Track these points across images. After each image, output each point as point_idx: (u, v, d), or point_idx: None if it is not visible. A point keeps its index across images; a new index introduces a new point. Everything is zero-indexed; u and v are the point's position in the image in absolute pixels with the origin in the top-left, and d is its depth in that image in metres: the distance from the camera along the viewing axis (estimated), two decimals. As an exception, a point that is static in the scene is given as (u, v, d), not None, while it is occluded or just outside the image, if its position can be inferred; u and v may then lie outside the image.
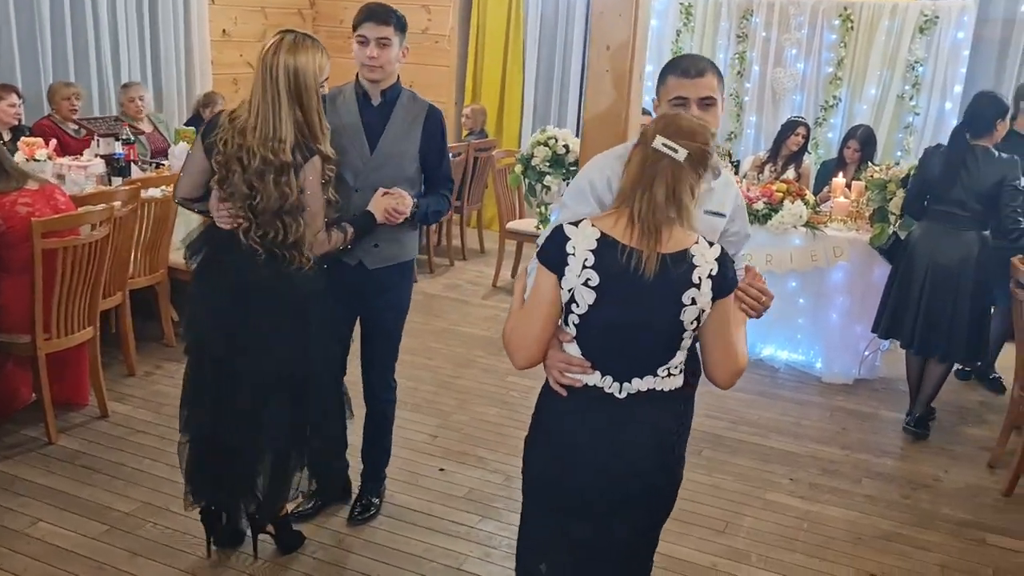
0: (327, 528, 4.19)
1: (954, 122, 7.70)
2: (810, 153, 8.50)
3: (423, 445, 5.07)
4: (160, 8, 8.90)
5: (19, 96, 6.99)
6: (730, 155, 8.84)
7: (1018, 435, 5.08)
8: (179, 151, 6.81)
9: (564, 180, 7.30)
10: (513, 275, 8.44)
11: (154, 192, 5.82)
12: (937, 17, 8.55)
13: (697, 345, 2.67)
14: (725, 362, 2.60)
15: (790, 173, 7.80)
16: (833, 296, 6.50)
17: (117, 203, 5.07)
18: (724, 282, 2.50)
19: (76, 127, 7.26)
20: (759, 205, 6.41)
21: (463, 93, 10.64)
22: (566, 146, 7.44)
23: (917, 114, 8.81)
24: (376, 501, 4.36)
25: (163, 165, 6.98)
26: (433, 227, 8.99)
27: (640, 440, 2.58)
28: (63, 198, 4.85)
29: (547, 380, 2.68)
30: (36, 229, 4.43)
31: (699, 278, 2.46)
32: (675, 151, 2.45)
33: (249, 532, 3.89)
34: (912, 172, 5.82)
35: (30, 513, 4.16)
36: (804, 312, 6.65)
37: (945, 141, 5.61)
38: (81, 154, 6.64)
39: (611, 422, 2.58)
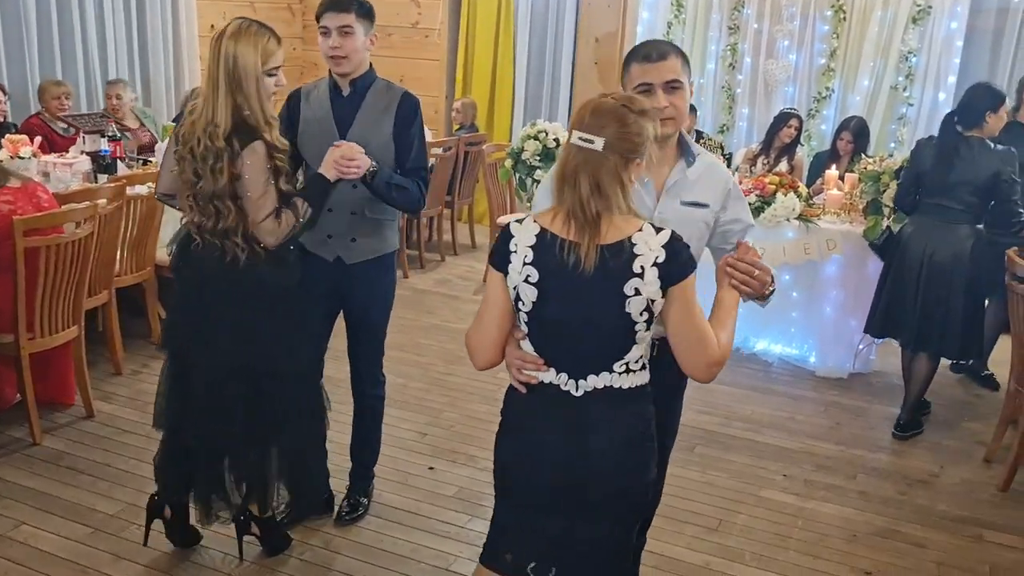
0: (314, 528, 4.13)
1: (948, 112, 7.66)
2: (803, 145, 8.46)
3: (412, 443, 5.01)
4: (147, 3, 8.82)
5: (4, 93, 6.94)
6: (722, 147, 8.78)
7: (1014, 430, 5.01)
8: (166, 147, 6.73)
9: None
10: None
11: (140, 189, 5.75)
12: (930, 7, 8.51)
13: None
14: (696, 353, 2.50)
15: (783, 165, 7.76)
16: (827, 289, 6.44)
17: (102, 200, 5.02)
18: (675, 268, 2.41)
19: (65, 125, 7.19)
20: (751, 198, 6.35)
21: (453, 87, 10.56)
22: (557, 140, 7.38)
23: (911, 105, 8.77)
24: (364, 500, 4.30)
25: (150, 162, 6.91)
26: (424, 222, 8.91)
27: (603, 441, 2.52)
28: (46, 196, 4.78)
29: None
30: (17, 227, 4.36)
31: (641, 267, 2.39)
32: (591, 142, 2.40)
33: (235, 533, 3.83)
34: (905, 164, 5.76)
35: (13, 516, 4.09)
36: (797, 306, 6.60)
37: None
38: (68, 151, 6.57)
39: (570, 421, 2.54)
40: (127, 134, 7.31)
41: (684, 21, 9.63)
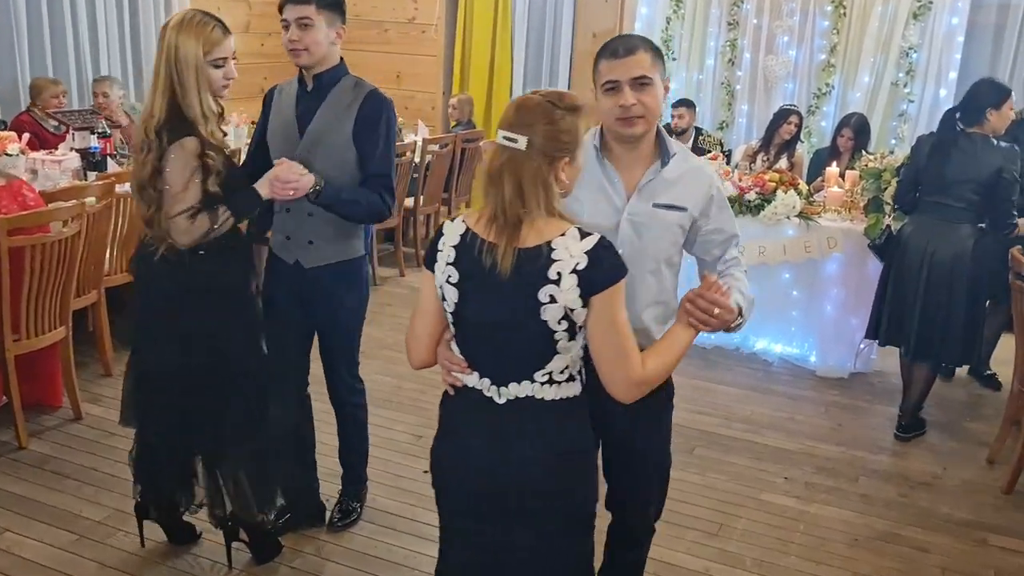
0: (306, 535, 4.03)
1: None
2: (803, 142, 8.40)
3: (406, 446, 4.92)
4: (140, 0, 8.73)
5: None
6: (722, 144, 8.71)
7: (1018, 430, 4.93)
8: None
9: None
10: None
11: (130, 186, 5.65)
12: (931, 2, 8.45)
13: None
14: (616, 368, 2.37)
15: (783, 162, 7.69)
16: (827, 288, 6.36)
17: (90, 199, 4.93)
18: (597, 276, 2.28)
19: (56, 123, 7.11)
20: (751, 195, 6.28)
21: (451, 83, 10.48)
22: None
23: (911, 101, 8.70)
24: (356, 506, 4.19)
25: (141, 159, 6.81)
26: (421, 219, 8.80)
27: (525, 451, 2.42)
28: (31, 194, 4.70)
29: None
30: (1, 226, 4.27)
31: (558, 273, 2.27)
32: (514, 141, 2.31)
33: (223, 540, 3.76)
34: (907, 161, 5.66)
35: (-4, 522, 4.02)
36: (798, 304, 6.52)
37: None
38: (58, 148, 6.49)
39: (493, 428, 2.45)
40: (117, 131, 7.21)
41: (683, 16, 9.56)
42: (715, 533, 4.27)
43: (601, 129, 2.82)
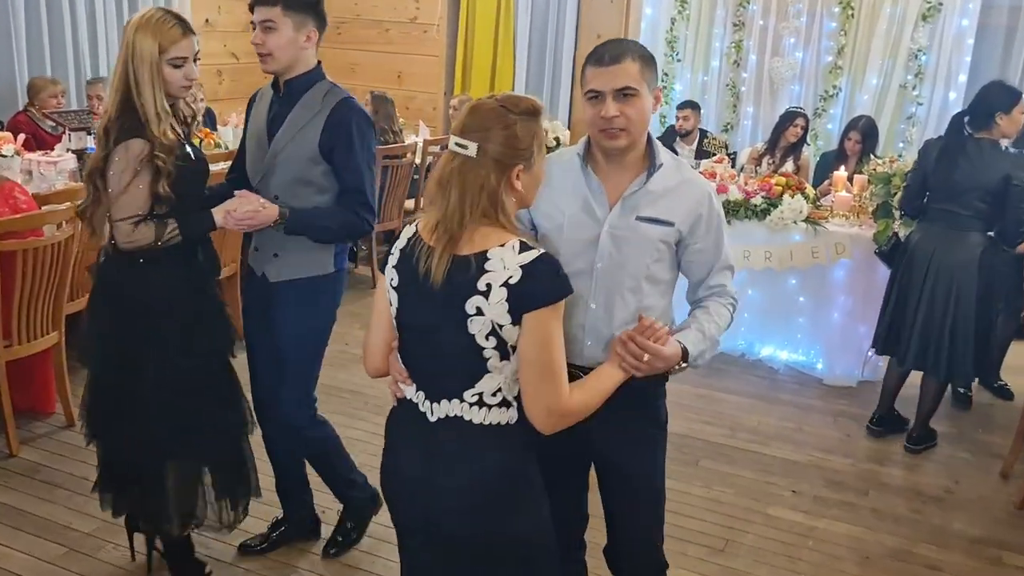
0: (301, 549, 3.95)
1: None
2: (809, 145, 8.28)
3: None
4: (140, -1, 8.64)
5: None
6: (727, 147, 8.60)
7: (1032, 442, 4.83)
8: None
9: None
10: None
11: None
12: (941, 4, 8.35)
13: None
14: (539, 393, 2.22)
15: (789, 165, 7.59)
16: (835, 295, 6.25)
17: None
18: (529, 292, 2.15)
19: (52, 123, 7.01)
20: (757, 199, 6.17)
21: (452, 84, 10.37)
22: (557, 139, 7.21)
23: (920, 104, 8.60)
24: (350, 529, 4.00)
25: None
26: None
27: (451, 478, 2.29)
28: (24, 197, 4.60)
29: None
30: (-9, 230, 4.18)
31: (488, 285, 2.16)
32: (464, 148, 2.20)
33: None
34: (915, 167, 5.53)
35: (-17, 534, 3.91)
36: (804, 311, 6.41)
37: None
38: (55, 149, 6.39)
39: (424, 447, 2.34)
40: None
41: (688, 17, 9.48)
42: (721, 549, 4.16)
43: (589, 137, 2.70)
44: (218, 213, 3.23)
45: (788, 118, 7.79)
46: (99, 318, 3.35)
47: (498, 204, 2.21)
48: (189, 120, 3.37)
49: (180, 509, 3.46)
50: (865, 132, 7.30)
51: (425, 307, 2.26)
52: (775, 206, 6.12)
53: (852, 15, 8.70)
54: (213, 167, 3.69)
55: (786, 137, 7.72)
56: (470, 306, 2.17)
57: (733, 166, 7.59)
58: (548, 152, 6.84)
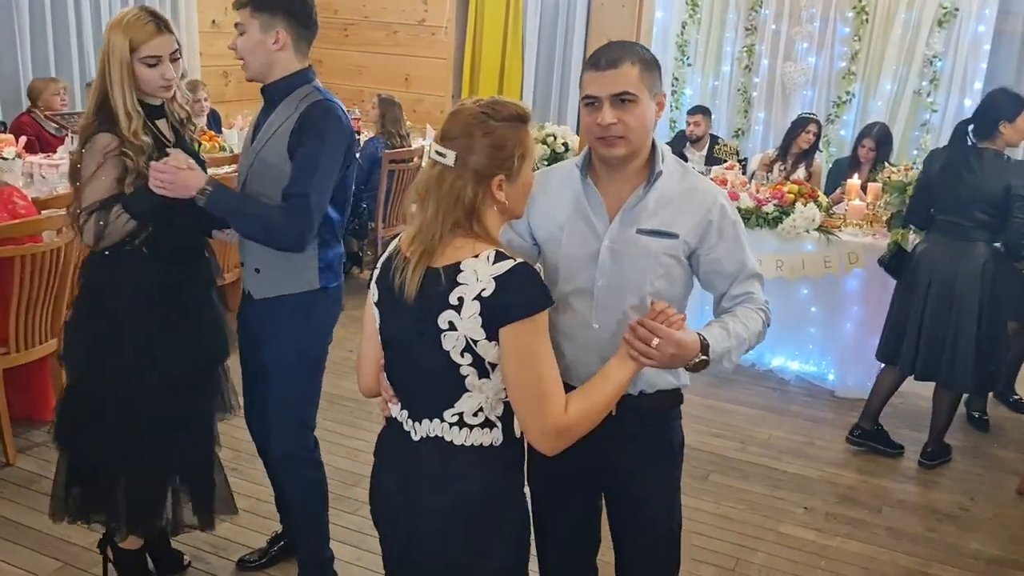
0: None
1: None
2: (821, 151, 8.17)
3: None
4: (146, -2, 8.56)
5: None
6: (738, 152, 8.52)
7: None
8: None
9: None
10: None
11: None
12: (957, 10, 8.23)
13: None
14: (532, 414, 2.10)
15: (800, 172, 7.48)
16: (848, 305, 6.15)
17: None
18: (503, 305, 2.04)
19: (56, 125, 6.94)
20: (769, 207, 6.07)
21: (460, 86, 10.30)
22: (565, 144, 7.11)
23: (935, 111, 8.49)
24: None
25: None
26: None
27: (433, 500, 2.19)
28: (23, 201, 4.52)
29: None
30: (-11, 237, 4.10)
31: (460, 298, 2.05)
32: (443, 156, 2.10)
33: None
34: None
35: (-23, 547, 3.82)
36: (816, 321, 6.31)
37: None
38: (57, 151, 6.32)
39: (406, 469, 2.25)
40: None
41: (699, 21, 9.39)
42: (731, 568, 4.06)
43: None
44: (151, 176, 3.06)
45: (800, 124, 7.68)
46: (74, 317, 3.32)
47: (475, 215, 2.11)
48: (184, 121, 3.28)
49: (131, 519, 3.37)
50: (879, 139, 7.20)
51: (402, 322, 2.17)
52: (787, 214, 6.02)
53: (866, 20, 8.59)
54: (217, 170, 3.59)
55: (798, 143, 7.61)
56: (443, 321, 2.08)
57: (744, 172, 7.51)
58: (554, 156, 6.75)
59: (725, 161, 7.62)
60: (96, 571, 3.68)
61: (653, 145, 2.52)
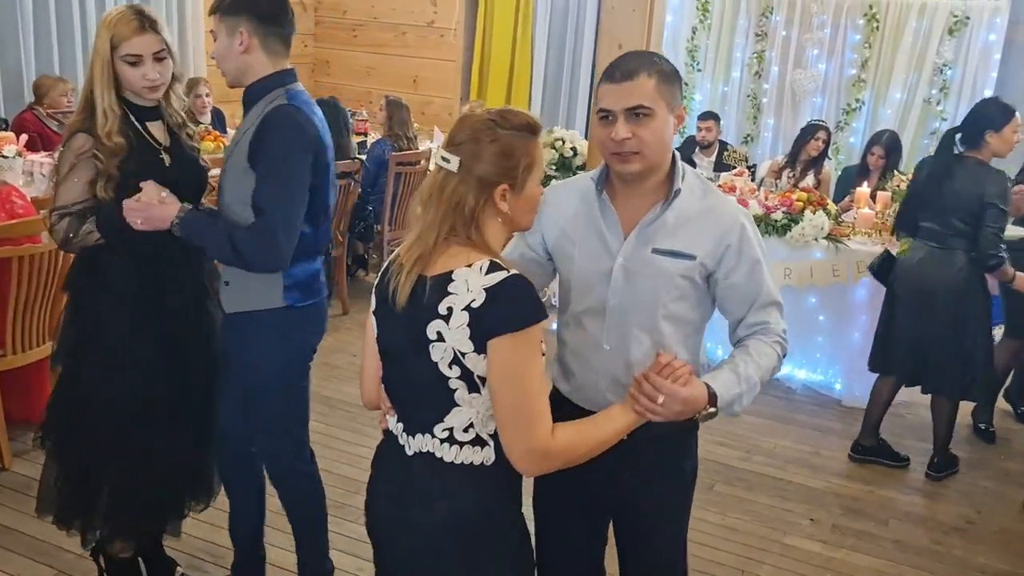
0: None
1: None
2: (830, 159, 8.12)
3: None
4: (151, -4, 8.54)
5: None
6: (747, 159, 8.46)
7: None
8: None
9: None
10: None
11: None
12: (968, 18, 8.18)
13: None
14: (515, 432, 2.02)
15: (809, 179, 7.42)
16: (856, 314, 6.08)
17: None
18: (492, 317, 1.97)
19: (57, 123, 6.90)
20: (778, 215, 6.01)
21: (469, 89, 10.26)
22: (574, 148, 7.05)
23: (944, 119, 8.43)
24: None
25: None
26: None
27: (424, 516, 2.13)
28: (21, 201, 4.47)
29: None
30: (-14, 237, 4.05)
31: (449, 308, 1.99)
32: (447, 162, 2.05)
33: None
34: None
35: (-29, 553, 3.77)
36: (824, 330, 6.25)
37: None
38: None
39: (399, 483, 2.19)
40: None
41: (709, 26, 9.35)
42: (736, 581, 4.01)
43: None
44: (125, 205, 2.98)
45: (809, 131, 7.62)
46: (62, 318, 3.28)
47: (474, 223, 2.05)
48: (182, 124, 3.22)
49: (114, 524, 3.33)
50: (889, 147, 7.14)
51: (394, 331, 2.13)
52: (796, 222, 5.97)
53: (877, 28, 8.54)
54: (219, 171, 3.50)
55: (807, 150, 7.55)
56: (431, 331, 2.01)
57: (752, 179, 7.46)
58: (562, 161, 6.68)
59: (734, 167, 7.58)
60: (91, 578, 3.65)
61: (674, 161, 2.42)
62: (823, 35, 8.81)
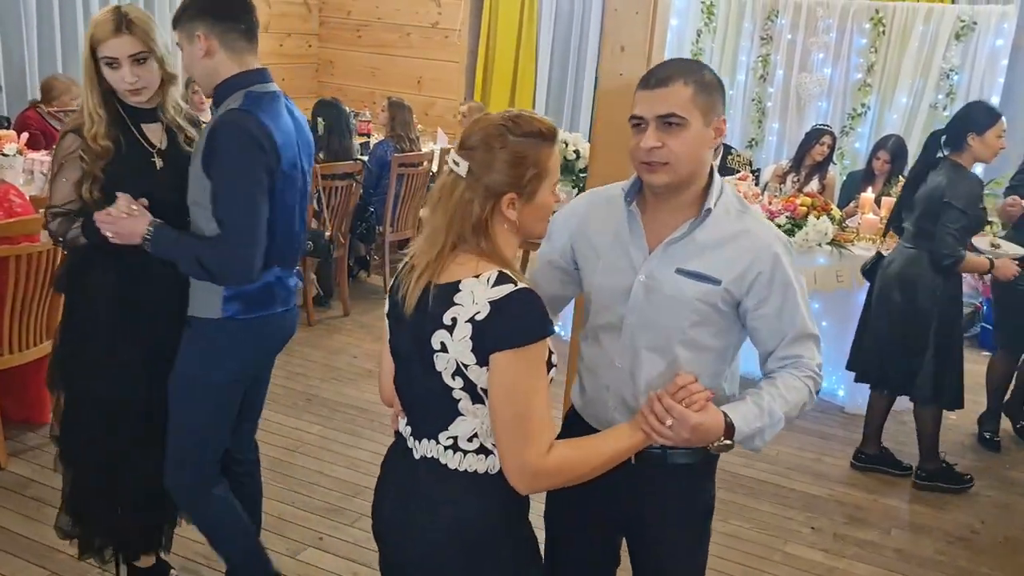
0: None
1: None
2: (835, 163, 8.07)
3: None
4: (156, -2, 8.52)
5: (-4, 87, 6.67)
6: (751, 163, 8.42)
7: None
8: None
9: (573, 188, 6.88)
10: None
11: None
12: (975, 23, 8.12)
13: None
14: (510, 448, 1.98)
15: (814, 184, 7.38)
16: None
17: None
18: (495, 330, 1.93)
19: (59, 122, 6.87)
20: (781, 219, 5.97)
21: (473, 90, 10.23)
22: (576, 151, 7.02)
23: (950, 125, 8.35)
24: None
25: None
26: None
27: (427, 520, 2.10)
28: (19, 200, 4.44)
29: None
30: (-16, 235, 4.02)
31: (453, 319, 1.95)
32: (457, 165, 2.01)
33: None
34: None
35: (-35, 554, 3.73)
36: (827, 336, 6.09)
37: None
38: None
39: (405, 486, 2.16)
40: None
41: (714, 29, 9.30)
42: (737, 590, 3.97)
43: None
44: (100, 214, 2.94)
45: (814, 135, 7.57)
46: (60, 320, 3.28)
47: (482, 231, 2.01)
48: (180, 126, 3.17)
49: (105, 532, 3.33)
50: (894, 152, 7.11)
51: (403, 336, 2.10)
52: (800, 227, 5.93)
53: (883, 32, 8.49)
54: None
55: (812, 155, 7.50)
56: (435, 340, 1.98)
57: (756, 184, 7.41)
58: (565, 164, 6.64)
59: (738, 171, 7.54)
60: (85, 580, 3.62)
61: (711, 177, 2.30)
62: (829, 39, 8.76)
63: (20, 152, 5.67)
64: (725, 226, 2.27)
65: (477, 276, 1.97)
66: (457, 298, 1.96)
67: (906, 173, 6.83)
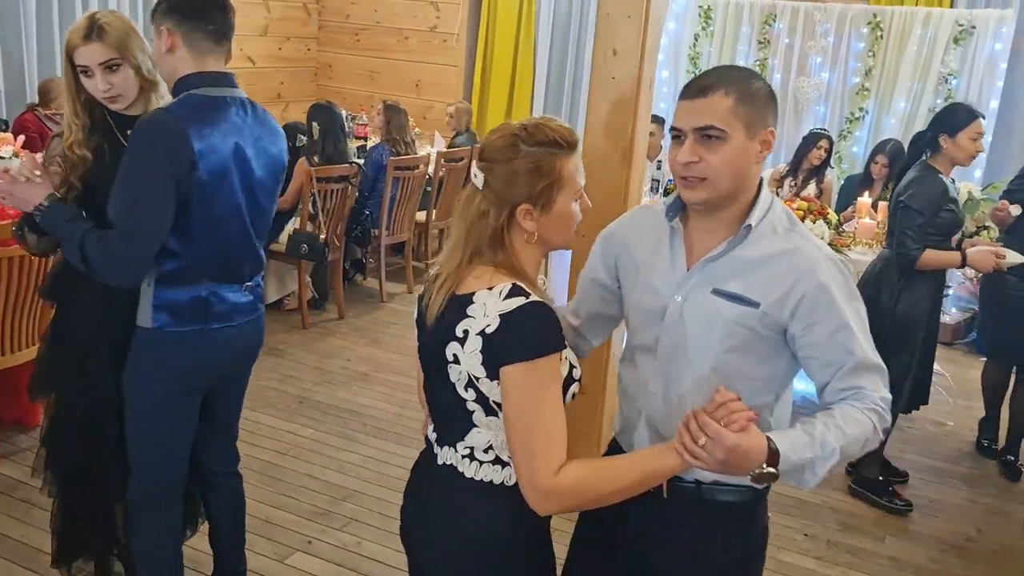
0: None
1: (989, 139, 7.28)
2: (833, 168, 8.05)
3: (400, 483, 4.60)
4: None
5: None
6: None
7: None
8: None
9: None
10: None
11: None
12: (973, 27, 8.08)
13: None
14: (521, 466, 1.93)
15: (811, 188, 7.37)
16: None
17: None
18: (503, 344, 1.90)
19: (56, 124, 6.86)
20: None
21: (471, 94, 10.23)
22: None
23: (949, 129, 8.33)
24: None
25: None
26: (434, 234, 8.52)
27: (442, 526, 2.09)
28: (11, 202, 4.42)
29: None
30: (-26, 238, 4.01)
31: (465, 331, 1.93)
32: (476, 176, 2.00)
33: None
34: None
35: (-50, 557, 3.71)
36: (823, 341, 6.17)
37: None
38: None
39: (427, 490, 2.16)
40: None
41: (712, 33, 9.27)
42: (729, 596, 3.94)
43: None
44: None
45: (812, 139, 7.55)
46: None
47: (500, 244, 1.99)
48: None
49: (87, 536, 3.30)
50: (892, 156, 7.07)
51: (424, 344, 2.09)
52: (796, 232, 5.90)
53: (881, 36, 8.46)
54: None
55: (809, 159, 7.48)
56: (449, 352, 1.97)
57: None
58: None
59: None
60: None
61: (759, 191, 2.14)
62: (826, 43, 8.73)
63: (16, 154, 5.65)
64: (770, 244, 2.10)
65: (491, 288, 1.95)
66: (470, 310, 1.94)
67: (902, 177, 6.87)
